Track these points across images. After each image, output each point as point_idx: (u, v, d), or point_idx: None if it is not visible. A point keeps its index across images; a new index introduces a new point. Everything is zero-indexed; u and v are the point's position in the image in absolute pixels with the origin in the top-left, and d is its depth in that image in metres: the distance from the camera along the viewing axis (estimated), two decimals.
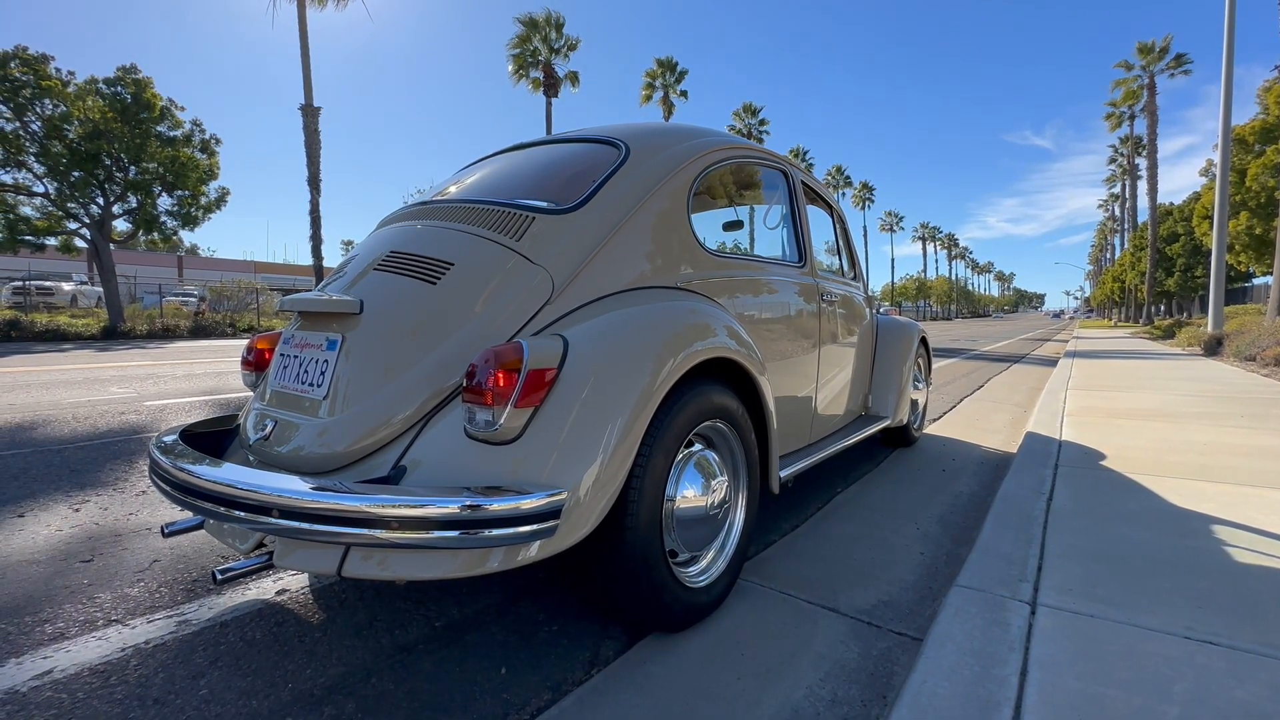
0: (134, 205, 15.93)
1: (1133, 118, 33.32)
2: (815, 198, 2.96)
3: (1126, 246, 40.77)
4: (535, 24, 25.95)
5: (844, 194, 56.06)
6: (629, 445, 1.39)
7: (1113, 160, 49.78)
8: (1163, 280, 30.41)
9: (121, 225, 16.46)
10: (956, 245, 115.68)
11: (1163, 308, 35.85)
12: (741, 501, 1.86)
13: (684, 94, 34.16)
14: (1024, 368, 9.29)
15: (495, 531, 1.20)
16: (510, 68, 26.16)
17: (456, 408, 1.43)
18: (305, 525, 1.21)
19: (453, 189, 2.18)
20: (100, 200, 15.27)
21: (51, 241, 15.37)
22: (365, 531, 1.19)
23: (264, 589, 1.84)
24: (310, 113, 18.57)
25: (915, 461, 3.46)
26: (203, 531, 1.62)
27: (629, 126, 2.15)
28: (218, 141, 17.02)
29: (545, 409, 1.35)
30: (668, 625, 1.59)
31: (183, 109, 16.20)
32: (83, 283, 23.17)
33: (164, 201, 16.44)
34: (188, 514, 1.96)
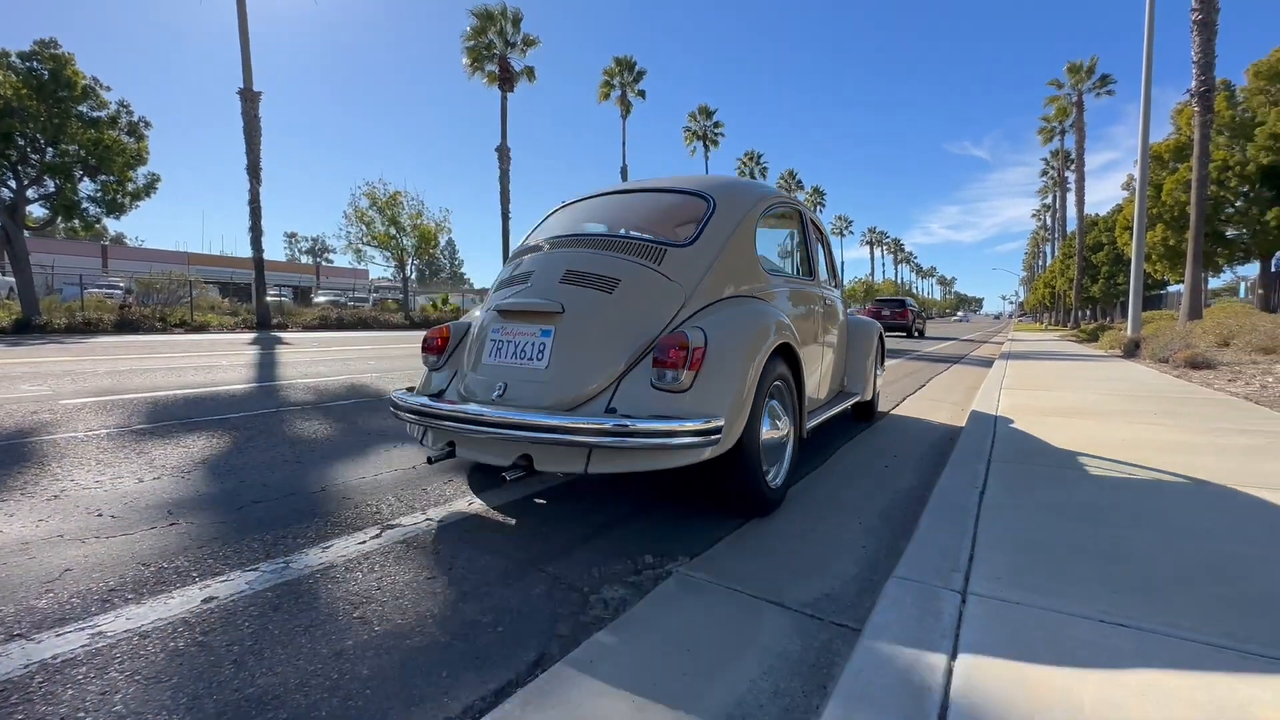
0: (52, 190, 14.85)
1: (1063, 133, 35.35)
2: (816, 228, 3.94)
3: (1056, 254, 43.14)
4: (491, 16, 25.42)
5: (797, 198, 57.23)
6: (749, 393, 2.25)
7: (1044, 173, 52.65)
8: (1089, 287, 32.30)
9: (38, 211, 15.32)
10: (902, 250, 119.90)
11: (1088, 312, 38.07)
12: (791, 436, 2.75)
13: (642, 94, 34.11)
14: (962, 368, 9.72)
15: (687, 440, 2.02)
16: (465, 60, 25.58)
17: (640, 371, 2.23)
18: (564, 437, 2.03)
19: (588, 225, 3.05)
20: (12, 183, 14.17)
21: None
22: (610, 440, 2.00)
23: (190, 597, 1.74)
24: (250, 97, 17.73)
25: (860, 458, 3.57)
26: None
27: (708, 182, 3.01)
28: (147, 125, 16.04)
29: (703, 371, 2.15)
30: (764, 511, 2.46)
31: (108, 89, 15.20)
32: None
33: (86, 187, 15.39)
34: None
